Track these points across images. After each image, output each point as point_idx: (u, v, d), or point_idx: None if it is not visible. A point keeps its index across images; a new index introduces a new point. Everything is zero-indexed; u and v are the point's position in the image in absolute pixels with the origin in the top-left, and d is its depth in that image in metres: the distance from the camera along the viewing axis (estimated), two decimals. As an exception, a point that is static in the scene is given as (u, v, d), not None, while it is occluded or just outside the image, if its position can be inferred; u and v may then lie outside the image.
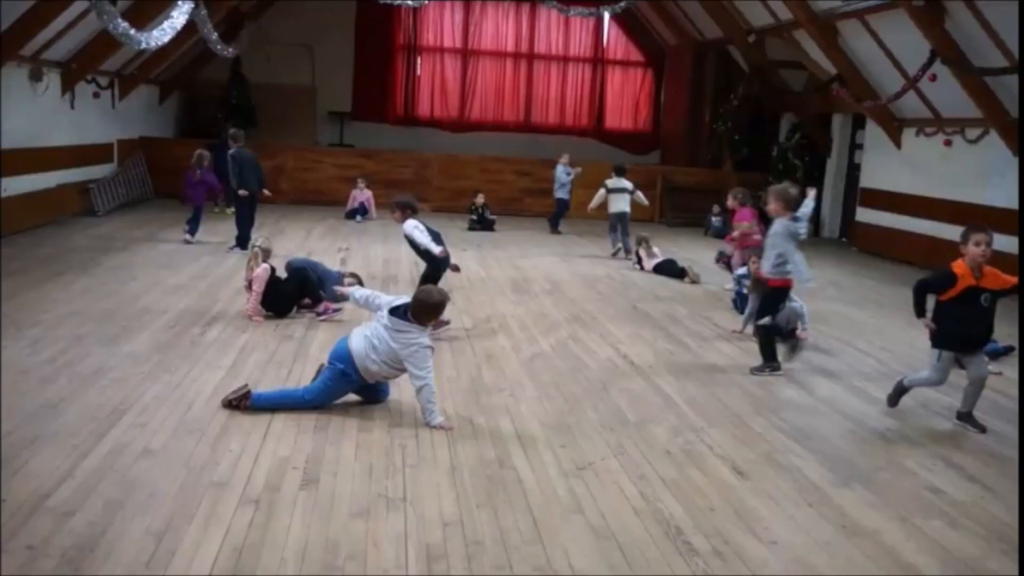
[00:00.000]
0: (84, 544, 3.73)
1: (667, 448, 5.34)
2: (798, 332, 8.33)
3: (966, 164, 13.33)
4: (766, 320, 7.04)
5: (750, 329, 8.24)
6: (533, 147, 21.65)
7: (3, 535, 3.76)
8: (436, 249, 7.94)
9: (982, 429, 6.03)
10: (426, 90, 22.45)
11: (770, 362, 7.11)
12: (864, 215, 16.07)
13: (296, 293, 8.21)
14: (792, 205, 6.90)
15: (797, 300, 8.37)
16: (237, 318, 7.97)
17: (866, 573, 3.96)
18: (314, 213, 16.29)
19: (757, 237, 9.96)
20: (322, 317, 8.06)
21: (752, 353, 7.81)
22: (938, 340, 5.98)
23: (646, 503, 4.52)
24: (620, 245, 13.33)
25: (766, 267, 6.99)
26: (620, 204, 13.35)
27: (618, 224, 13.37)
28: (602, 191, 13.59)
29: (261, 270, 7.91)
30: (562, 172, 15.19)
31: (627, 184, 13.47)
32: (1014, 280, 5.94)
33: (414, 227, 7.95)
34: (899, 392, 6.31)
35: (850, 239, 16.50)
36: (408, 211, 8.00)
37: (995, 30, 11.12)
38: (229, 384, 5.90)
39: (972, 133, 13.16)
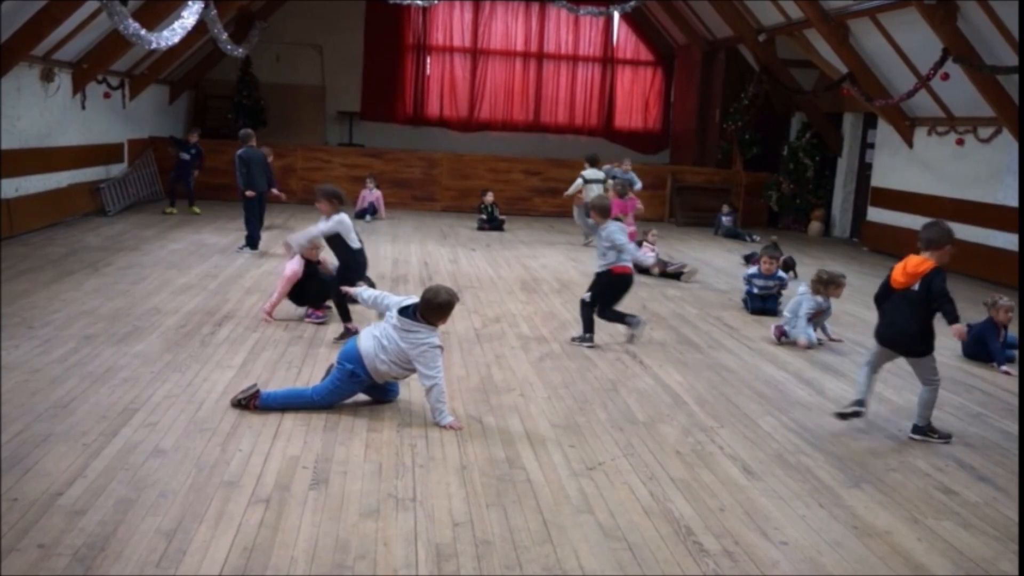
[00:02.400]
0: (95, 543, 3.74)
1: (677, 448, 5.33)
2: (824, 335, 8.32)
3: (979, 163, 13.27)
4: (586, 296, 7.87)
5: (793, 333, 8.21)
6: (542, 147, 21.69)
7: (15, 534, 3.78)
8: (355, 245, 7.41)
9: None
10: (435, 90, 22.47)
11: (586, 333, 7.79)
12: (875, 215, 16.01)
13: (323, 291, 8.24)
14: (607, 213, 7.84)
15: (828, 300, 8.32)
16: (247, 318, 7.98)
17: (877, 574, 3.94)
18: (324, 213, 16.29)
19: (632, 229, 11.37)
20: (308, 319, 8.02)
21: (766, 353, 7.81)
22: (933, 343, 5.68)
23: (656, 503, 4.51)
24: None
25: (604, 262, 7.74)
26: (595, 194, 13.78)
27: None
28: (579, 181, 14.17)
29: (290, 271, 7.90)
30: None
31: (601, 174, 13.92)
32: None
33: (350, 228, 7.40)
34: (928, 431, 5.72)
35: (861, 239, 16.44)
36: (336, 202, 7.39)
37: (1008, 28, 11.06)
38: (239, 384, 5.91)
39: (985, 132, 13.09)
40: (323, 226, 7.37)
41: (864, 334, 8.79)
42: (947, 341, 8.38)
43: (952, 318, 5.53)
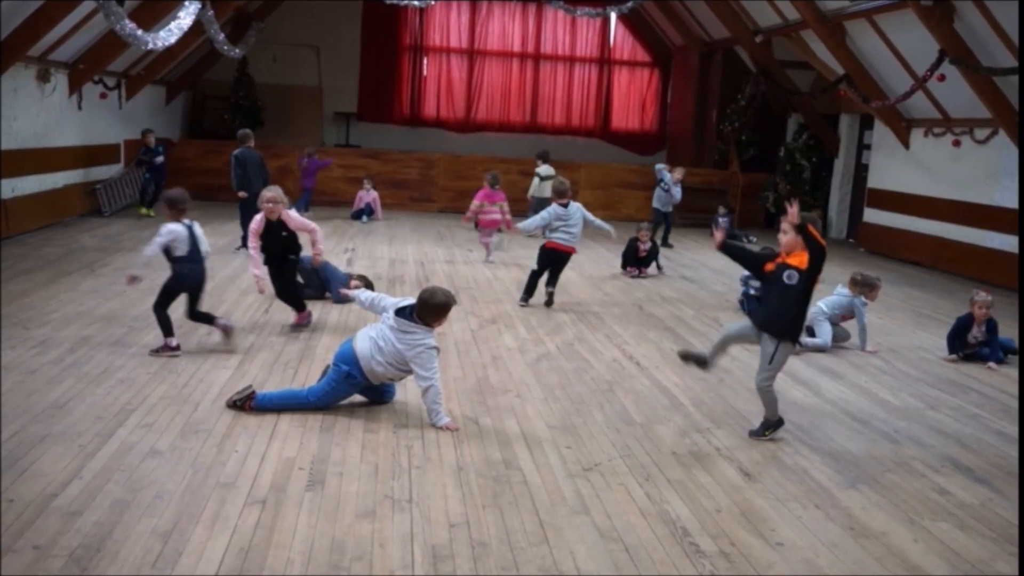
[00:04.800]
0: (91, 544, 3.73)
1: (673, 449, 5.33)
2: (867, 347, 8.27)
3: (975, 164, 13.29)
4: (534, 267, 9.36)
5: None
6: (539, 147, 21.62)
7: (11, 535, 3.77)
8: (148, 251, 6.48)
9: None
10: (432, 90, 22.47)
11: (526, 294, 9.31)
12: (871, 216, 16.04)
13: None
14: (564, 196, 9.21)
15: (864, 308, 8.27)
16: (243, 319, 7.97)
17: (873, 574, 3.94)
18: (320, 213, 16.27)
19: (495, 217, 11.95)
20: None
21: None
22: None
23: (652, 504, 4.51)
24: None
25: (548, 235, 9.31)
26: (547, 191, 14.00)
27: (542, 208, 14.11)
28: (536, 179, 14.26)
29: (255, 225, 8.04)
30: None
31: (553, 170, 14.25)
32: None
33: (169, 232, 6.49)
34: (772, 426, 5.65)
35: (857, 240, 16.46)
36: (176, 208, 6.63)
37: (1004, 29, 11.08)
38: (235, 385, 5.90)
39: (981, 133, 13.11)
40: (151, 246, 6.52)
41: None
42: (939, 342, 8.43)
43: None
